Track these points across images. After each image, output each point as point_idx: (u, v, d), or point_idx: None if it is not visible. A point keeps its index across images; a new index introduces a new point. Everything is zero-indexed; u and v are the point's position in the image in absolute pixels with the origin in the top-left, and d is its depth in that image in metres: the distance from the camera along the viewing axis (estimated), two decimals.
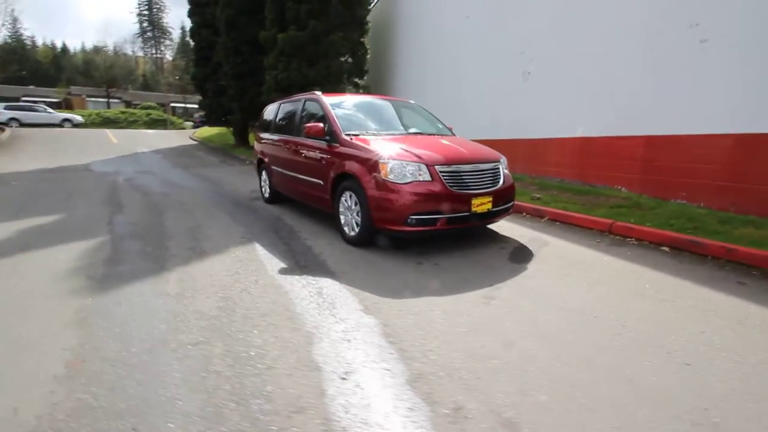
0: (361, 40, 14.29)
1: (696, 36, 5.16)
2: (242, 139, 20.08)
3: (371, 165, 3.82)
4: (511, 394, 1.84)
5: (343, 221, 4.29)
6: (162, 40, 66.09)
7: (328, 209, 4.68)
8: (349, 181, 4.11)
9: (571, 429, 1.64)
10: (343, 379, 1.94)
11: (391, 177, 3.68)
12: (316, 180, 4.76)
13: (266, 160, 6.38)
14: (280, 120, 6.12)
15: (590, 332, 2.40)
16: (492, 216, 4.04)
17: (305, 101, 5.35)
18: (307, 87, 13.59)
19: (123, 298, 2.85)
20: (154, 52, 66.25)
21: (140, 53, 63.32)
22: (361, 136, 4.29)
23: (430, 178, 3.65)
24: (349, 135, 4.34)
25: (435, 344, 2.24)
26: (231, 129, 20.48)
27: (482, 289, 3.00)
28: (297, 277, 3.27)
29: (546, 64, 7.63)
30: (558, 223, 5.09)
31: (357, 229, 4.05)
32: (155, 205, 6.27)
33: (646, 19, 5.75)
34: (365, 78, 14.79)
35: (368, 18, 14.24)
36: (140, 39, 64.24)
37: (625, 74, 6.12)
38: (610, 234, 4.54)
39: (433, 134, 4.85)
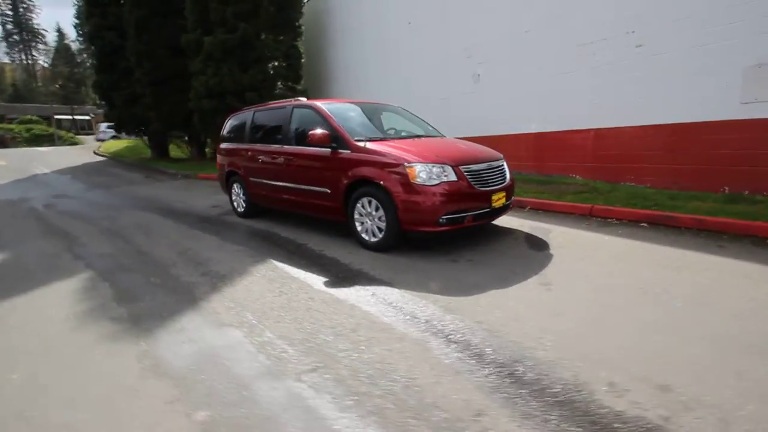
0: (295, 43, 13.95)
1: (632, 42, 6.03)
2: (161, 152, 18.31)
3: (396, 169, 3.85)
4: (656, 360, 2.04)
5: (360, 228, 4.24)
6: (33, 44, 57.08)
7: (335, 217, 4.58)
8: (368, 187, 4.08)
9: (723, 369, 1.89)
10: (498, 376, 1.97)
11: (419, 180, 3.75)
12: (319, 188, 4.62)
13: (240, 171, 5.98)
14: (255, 129, 5.79)
15: (653, 301, 2.74)
16: (505, 210, 4.32)
17: (293, 108, 5.14)
18: (241, 93, 12.94)
19: (182, 336, 2.53)
20: (23, 57, 56.98)
21: (6, 59, 54.09)
22: (372, 142, 4.28)
23: (456, 178, 3.80)
24: (359, 141, 4.31)
25: (538, 332, 2.38)
26: (146, 141, 18.54)
27: (532, 278, 3.23)
28: (349, 289, 3.18)
29: (495, 66, 8.24)
30: (541, 211, 5.59)
31: (381, 234, 4.04)
32: (112, 232, 5.55)
33: (590, 27, 6.55)
34: (302, 83, 14.46)
35: (301, 21, 13.94)
36: (4, 43, 54.85)
37: (573, 75, 6.90)
38: (591, 216, 5.12)
39: (434, 136, 5.00)
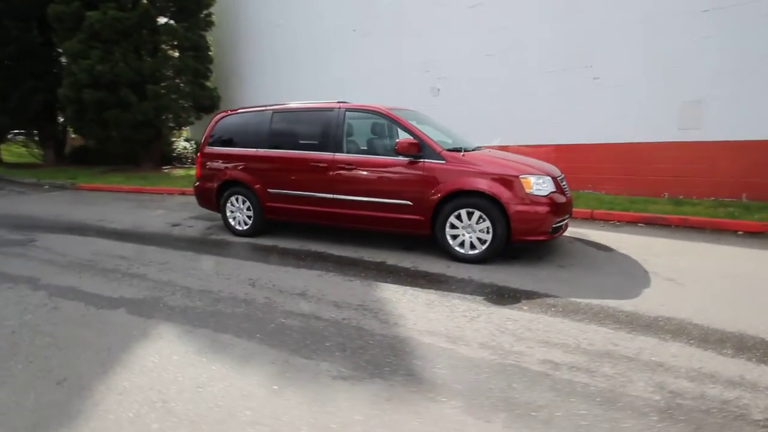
0: (203, 33, 12.23)
1: (590, 74, 7.29)
2: None
3: (509, 181, 3.89)
4: None
5: (456, 241, 4.11)
6: None
7: (414, 231, 4.33)
8: (469, 198, 3.99)
9: None
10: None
11: (534, 191, 3.87)
12: (395, 201, 4.29)
13: (249, 182, 5.05)
14: (279, 133, 4.98)
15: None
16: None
17: (345, 112, 4.61)
18: (139, 84, 10.77)
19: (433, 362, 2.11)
20: None
21: None
22: (464, 152, 4.22)
23: (554, 188, 4.04)
24: (451, 151, 4.19)
25: (717, 316, 2.80)
26: None
27: (641, 274, 3.69)
28: (520, 305, 3.10)
29: (457, 83, 8.82)
30: None
31: (484, 246, 3.99)
32: (94, 269, 4.09)
33: (551, 57, 7.62)
34: (211, 80, 12.75)
35: (212, 10, 12.28)
36: None
37: (536, 98, 7.91)
38: (594, 219, 6.01)
39: (478, 147, 5.15)
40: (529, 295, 3.28)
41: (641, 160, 7.06)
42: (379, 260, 4.24)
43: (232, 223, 5.38)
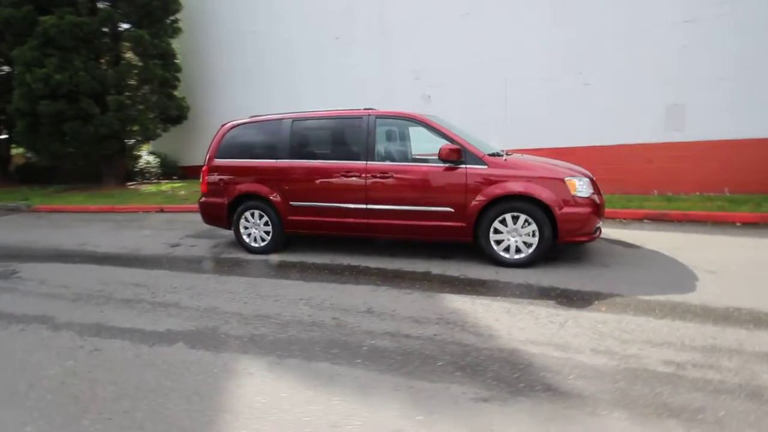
0: (170, 40, 11.52)
1: (581, 80, 7.64)
2: None
3: (555, 183, 3.91)
4: None
5: (500, 246, 4.07)
6: None
7: (455, 238, 4.26)
8: (514, 202, 3.97)
9: None
10: None
11: (578, 193, 3.92)
12: (435, 208, 4.19)
13: (269, 195, 4.74)
14: (302, 142, 4.73)
15: None
16: None
17: (375, 119, 4.44)
18: (102, 94, 9.91)
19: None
20: None
21: None
22: (505, 156, 4.21)
23: (593, 190, 4.13)
24: (491, 155, 4.16)
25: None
26: None
27: (681, 268, 3.84)
28: (596, 306, 3.10)
29: (449, 90, 8.92)
30: None
31: (530, 249, 3.98)
32: (127, 303, 3.63)
33: (544, 65, 7.91)
34: (179, 89, 12.04)
35: (179, 16, 11.61)
36: None
37: (531, 105, 8.15)
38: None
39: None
40: (597, 296, 3.29)
41: (630, 161, 7.47)
42: (422, 270, 4.11)
43: (247, 240, 5.02)
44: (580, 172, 4.15)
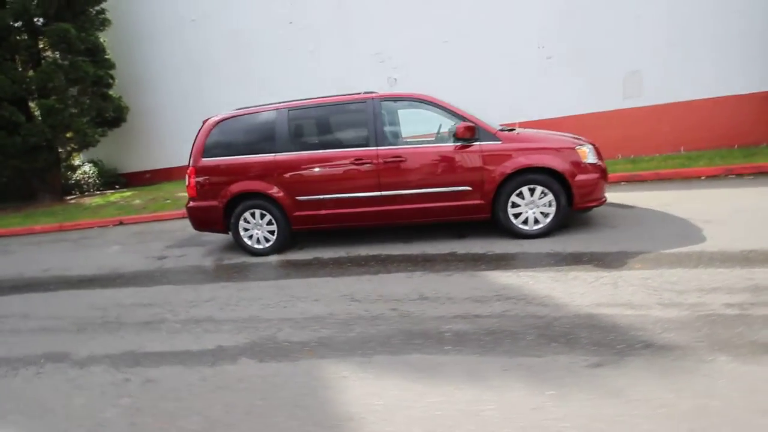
0: (97, 33, 10.31)
1: (543, 54, 7.93)
2: None
3: (568, 153, 4.04)
4: None
5: (519, 219, 4.15)
6: None
7: (473, 216, 4.27)
8: (530, 174, 4.04)
9: None
10: None
11: (588, 160, 4.08)
12: (452, 188, 4.17)
13: (272, 192, 4.44)
14: (301, 132, 4.46)
15: None
16: None
17: (380, 102, 4.28)
18: (24, 99, 8.71)
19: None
20: None
21: None
22: (517, 130, 4.28)
23: (597, 156, 4.32)
24: (503, 131, 4.20)
25: None
26: None
27: (681, 222, 4.18)
28: (632, 264, 3.27)
29: (414, 71, 8.86)
30: None
31: (548, 220, 4.10)
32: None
33: (506, 41, 8.10)
34: (114, 89, 10.87)
35: (105, 6, 10.38)
36: None
37: (495, 81, 8.33)
38: None
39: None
40: (626, 255, 3.48)
41: (593, 129, 7.93)
42: (446, 251, 4.10)
43: (249, 243, 4.69)
44: (585, 141, 4.34)
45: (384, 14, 8.84)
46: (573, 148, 4.07)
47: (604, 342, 2.23)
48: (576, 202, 4.10)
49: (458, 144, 4.15)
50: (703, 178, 6.04)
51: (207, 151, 4.69)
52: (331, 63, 9.47)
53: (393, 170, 4.24)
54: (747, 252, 3.24)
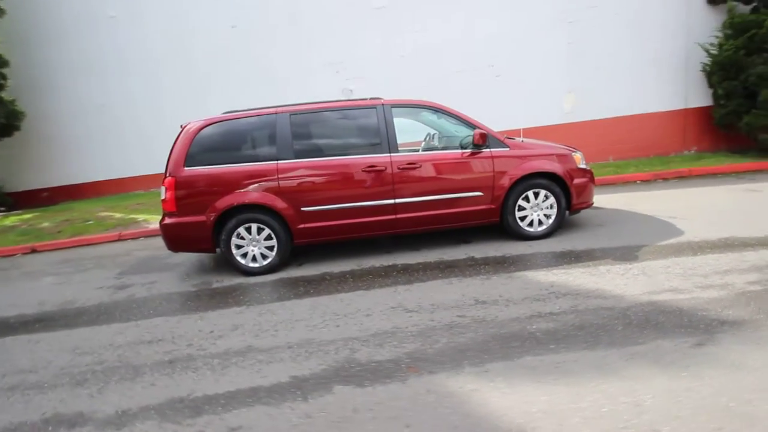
0: None
1: (493, 72, 8.54)
2: None
3: (566, 159, 4.37)
4: None
5: (526, 221, 4.35)
6: None
7: (482, 221, 4.38)
8: (535, 179, 4.28)
9: None
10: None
11: (581, 165, 4.46)
12: (467, 194, 4.24)
13: (273, 204, 4.03)
14: (309, 138, 4.13)
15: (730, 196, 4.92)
16: None
17: (391, 108, 4.17)
18: None
19: None
20: None
21: None
22: (521, 138, 4.48)
23: (585, 161, 4.74)
24: (508, 138, 4.37)
25: (747, 230, 4.00)
26: None
27: (651, 219, 4.78)
28: (642, 255, 3.63)
29: (371, 84, 8.86)
30: None
31: (550, 221, 4.38)
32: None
33: (459, 58, 8.56)
34: (6, 90, 9.02)
35: None
36: None
37: (450, 97, 8.69)
38: None
39: None
40: (632, 249, 3.85)
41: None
42: (463, 257, 4.12)
43: (243, 262, 4.17)
44: (574, 148, 4.74)
45: (338, 24, 8.75)
46: (569, 155, 4.44)
47: (684, 324, 2.43)
48: (573, 204, 4.45)
49: (469, 150, 4.24)
50: (638, 182, 7.02)
51: (190, 159, 4.10)
52: (283, 71, 9.04)
53: (408, 177, 4.16)
54: (724, 240, 3.83)
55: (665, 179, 6.90)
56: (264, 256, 4.20)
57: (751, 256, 3.36)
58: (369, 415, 1.91)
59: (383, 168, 4.12)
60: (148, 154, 9.11)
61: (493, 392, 1.99)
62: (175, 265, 4.85)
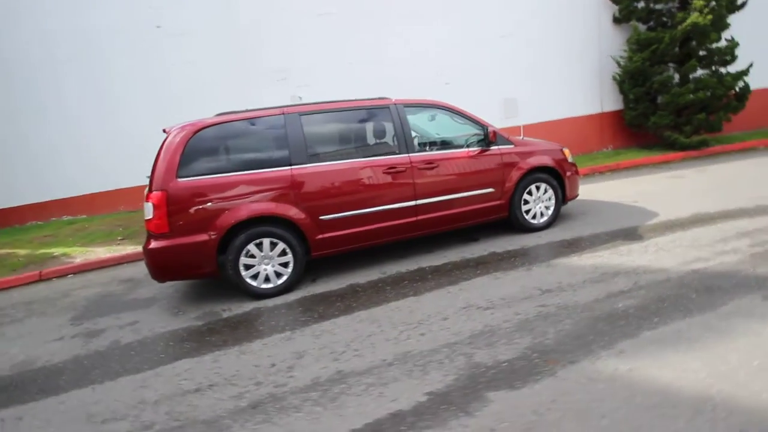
0: None
1: (442, 81, 8.89)
2: None
3: (558, 153, 4.69)
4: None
5: (531, 214, 4.56)
6: None
7: (492, 217, 4.49)
8: (537, 174, 4.51)
9: None
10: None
11: (570, 159, 4.82)
12: (478, 192, 4.30)
13: (291, 215, 3.61)
14: (323, 140, 3.79)
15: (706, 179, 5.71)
16: None
17: (404, 108, 4.06)
18: None
19: None
20: None
21: None
22: (521, 136, 4.66)
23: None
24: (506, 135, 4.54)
25: (714, 205, 4.74)
26: None
27: (621, 204, 5.39)
28: (646, 235, 4.04)
29: (320, 91, 8.55)
30: None
31: (550, 213, 4.65)
32: None
33: (412, 67, 8.73)
34: None
35: None
36: None
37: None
38: None
39: None
40: (631, 230, 4.28)
41: None
42: (485, 253, 4.15)
43: (254, 283, 3.64)
44: (561, 145, 5.13)
45: (281, 30, 8.30)
46: (561, 150, 4.79)
47: (739, 284, 2.78)
48: (567, 197, 4.80)
49: (480, 148, 4.31)
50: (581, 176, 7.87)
51: (184, 168, 3.46)
52: (219, 77, 8.23)
53: (426, 177, 4.07)
54: (695, 215, 4.46)
55: (601, 173, 7.87)
56: (278, 275, 3.71)
57: (727, 226, 3.98)
58: (556, 414, 1.78)
59: (404, 169, 3.98)
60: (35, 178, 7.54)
61: (649, 368, 2.01)
62: (147, 301, 4.02)
